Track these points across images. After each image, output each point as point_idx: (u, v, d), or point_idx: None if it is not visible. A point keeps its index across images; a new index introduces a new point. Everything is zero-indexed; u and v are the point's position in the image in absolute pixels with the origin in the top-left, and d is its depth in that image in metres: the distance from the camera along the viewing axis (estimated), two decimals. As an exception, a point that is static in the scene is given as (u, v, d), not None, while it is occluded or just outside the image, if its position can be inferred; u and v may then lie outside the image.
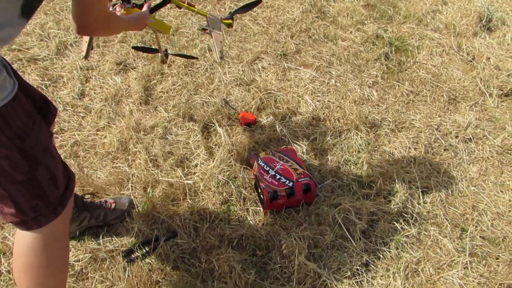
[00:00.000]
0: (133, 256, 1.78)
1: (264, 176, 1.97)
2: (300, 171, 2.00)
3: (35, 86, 2.34)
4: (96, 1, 1.14)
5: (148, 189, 2.00)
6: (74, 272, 1.72)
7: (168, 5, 1.86)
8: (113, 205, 1.87)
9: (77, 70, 2.54)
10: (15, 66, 2.50)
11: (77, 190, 1.94)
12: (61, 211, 1.24)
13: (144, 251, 1.80)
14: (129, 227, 1.87)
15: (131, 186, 2.01)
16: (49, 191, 1.20)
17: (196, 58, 2.41)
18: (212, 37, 1.91)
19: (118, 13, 1.69)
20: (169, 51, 2.16)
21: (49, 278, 1.30)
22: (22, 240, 1.26)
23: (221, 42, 1.93)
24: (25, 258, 1.26)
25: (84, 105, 2.37)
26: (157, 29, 1.88)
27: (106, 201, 1.87)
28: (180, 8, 1.92)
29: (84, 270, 1.73)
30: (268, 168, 2.00)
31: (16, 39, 2.63)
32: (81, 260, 1.75)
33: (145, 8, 1.72)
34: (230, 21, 2.04)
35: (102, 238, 1.83)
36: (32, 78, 2.45)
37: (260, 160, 2.04)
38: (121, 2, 1.73)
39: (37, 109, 1.19)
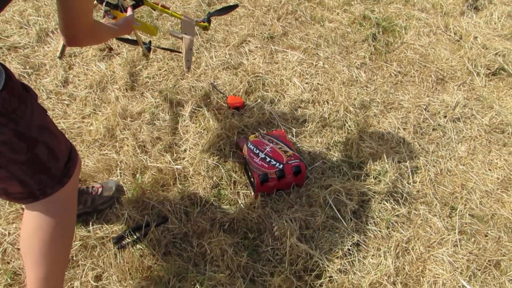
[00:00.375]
0: (124, 242, 1.77)
1: (254, 159, 1.96)
2: (290, 153, 1.99)
3: (16, 75, 2.31)
4: (81, 12, 1.14)
5: (137, 175, 1.98)
6: (64, 260, 1.70)
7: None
8: (100, 190, 1.85)
9: (61, 56, 2.49)
10: (-4, 54, 2.45)
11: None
12: (67, 181, 1.28)
13: (135, 237, 1.78)
14: (119, 213, 1.85)
15: (120, 172, 1.99)
16: (50, 164, 1.22)
17: (180, 52, 2.36)
18: (182, 43, 1.88)
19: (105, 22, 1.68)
20: (154, 44, 2.12)
21: (56, 241, 1.33)
22: (30, 214, 1.30)
23: (190, 49, 1.89)
24: (33, 224, 1.30)
25: (68, 93, 2.32)
26: (144, 31, 1.85)
27: (92, 187, 1.86)
28: (154, 10, 1.89)
29: (74, 258, 1.72)
30: (257, 151, 1.99)
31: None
32: (71, 248, 1.73)
33: (129, 11, 1.70)
34: (206, 24, 2.02)
35: (92, 225, 1.81)
36: (13, 66, 2.39)
37: (249, 143, 2.03)
38: (106, 10, 1.71)
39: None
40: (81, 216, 1.82)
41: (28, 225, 1.32)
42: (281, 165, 1.94)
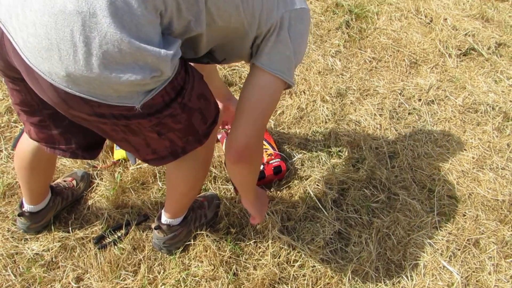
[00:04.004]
0: (104, 242, 1.76)
1: None
2: (271, 151, 1.98)
3: None
4: (267, 114, 1.30)
5: (116, 174, 1.96)
6: (44, 262, 1.69)
7: None
8: (74, 182, 1.88)
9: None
10: None
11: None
12: (205, 141, 1.31)
13: (116, 236, 1.77)
14: (99, 213, 1.84)
15: (98, 172, 1.97)
16: (199, 128, 1.25)
17: None
18: None
19: None
20: None
21: (190, 191, 1.55)
22: (171, 168, 1.45)
23: None
24: (174, 175, 1.48)
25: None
26: None
27: (65, 181, 1.87)
28: None
29: (54, 259, 1.70)
30: None
31: None
32: (51, 250, 1.72)
33: None
34: None
35: (71, 225, 1.79)
36: None
37: None
38: None
39: None
40: (59, 217, 1.82)
41: (169, 176, 1.52)
42: (261, 166, 1.92)
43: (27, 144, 1.48)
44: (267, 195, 1.67)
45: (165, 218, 1.66)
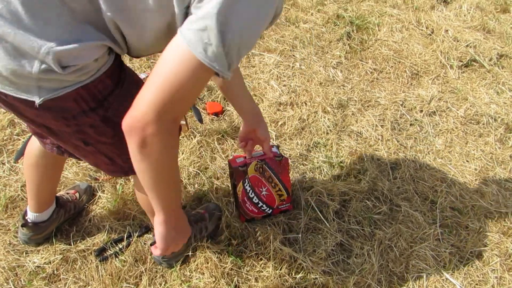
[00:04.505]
0: (105, 254, 1.76)
1: (247, 204, 1.83)
2: (284, 197, 1.87)
3: None
4: (190, 97, 0.97)
5: (118, 186, 1.96)
6: (45, 275, 1.68)
7: None
8: (77, 194, 1.88)
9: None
10: None
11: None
12: None
13: (117, 248, 1.77)
14: (100, 225, 1.84)
15: (100, 184, 1.97)
16: None
17: None
18: None
19: None
20: None
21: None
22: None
23: None
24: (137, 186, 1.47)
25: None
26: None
27: (68, 193, 1.87)
28: None
29: (55, 272, 1.70)
30: (252, 195, 1.83)
31: None
32: (52, 262, 1.71)
33: None
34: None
35: (73, 238, 1.79)
36: None
37: (247, 183, 1.80)
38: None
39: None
40: (60, 229, 1.81)
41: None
42: (270, 210, 1.87)
43: (36, 142, 1.50)
44: (189, 227, 1.26)
45: None
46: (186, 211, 1.89)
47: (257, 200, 1.83)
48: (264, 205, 1.85)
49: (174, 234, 1.17)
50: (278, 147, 1.86)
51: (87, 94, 1.01)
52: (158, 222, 1.12)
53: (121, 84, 1.08)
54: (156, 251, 1.19)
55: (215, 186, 1.99)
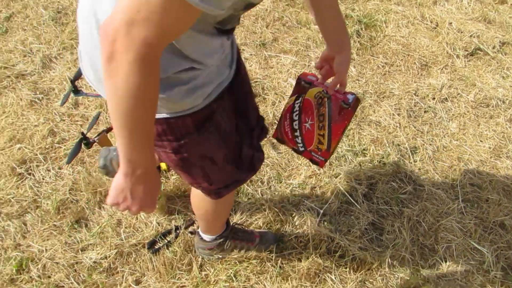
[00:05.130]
0: (156, 246, 1.89)
1: (286, 121, 1.53)
2: (323, 148, 1.49)
3: (28, 100, 2.42)
4: (166, 17, 0.77)
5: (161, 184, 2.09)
6: (103, 269, 1.82)
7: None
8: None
9: (67, 81, 2.59)
10: (4, 83, 2.54)
11: (90, 192, 2.04)
12: (215, 198, 1.42)
13: (166, 241, 1.91)
14: (147, 221, 1.97)
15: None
16: (201, 183, 1.32)
17: None
18: None
19: None
20: None
21: (202, 216, 1.67)
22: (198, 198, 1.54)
23: None
24: (192, 194, 1.59)
25: (80, 114, 2.44)
26: None
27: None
28: None
29: (112, 266, 1.83)
30: (296, 118, 1.51)
31: (0, 57, 2.69)
32: (108, 257, 1.85)
33: None
34: None
35: (124, 233, 1.93)
36: (24, 93, 2.49)
37: (299, 101, 1.49)
38: None
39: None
40: (111, 225, 1.94)
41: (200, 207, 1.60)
42: (302, 149, 1.52)
43: None
44: (160, 182, 1.10)
45: (200, 229, 1.79)
46: (240, 223, 1.97)
47: (296, 127, 1.52)
48: (299, 138, 1.53)
49: (127, 195, 0.97)
50: (356, 98, 1.45)
51: (167, 126, 1.08)
52: (118, 172, 0.96)
53: (199, 128, 1.11)
54: (107, 199, 1.00)
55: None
